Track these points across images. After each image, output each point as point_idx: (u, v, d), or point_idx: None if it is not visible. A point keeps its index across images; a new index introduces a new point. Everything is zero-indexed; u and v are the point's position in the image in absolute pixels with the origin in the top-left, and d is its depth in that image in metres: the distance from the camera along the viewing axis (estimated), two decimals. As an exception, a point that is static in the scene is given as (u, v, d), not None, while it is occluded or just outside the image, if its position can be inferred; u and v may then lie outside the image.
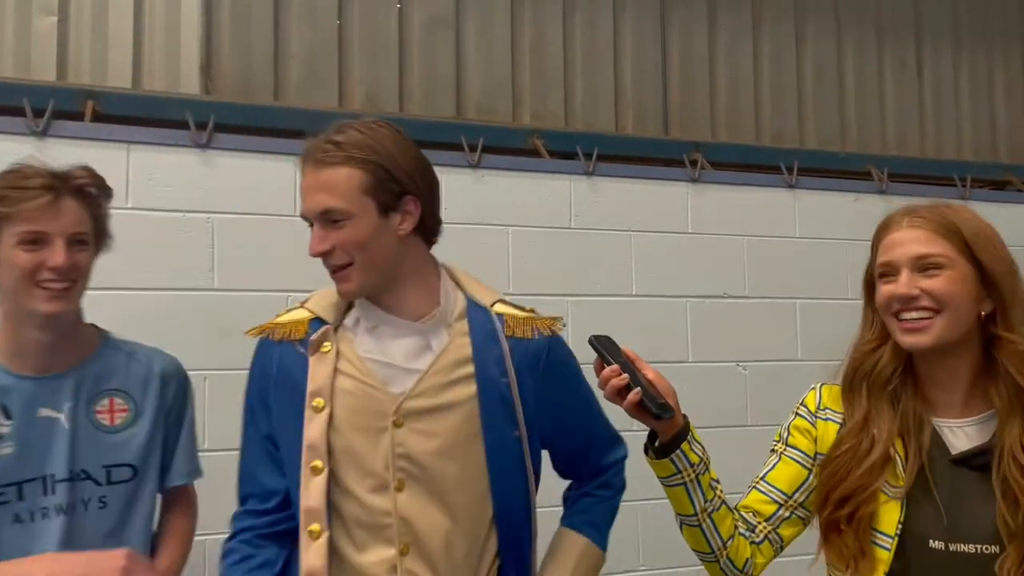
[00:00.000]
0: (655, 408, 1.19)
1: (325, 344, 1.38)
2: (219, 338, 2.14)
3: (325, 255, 1.35)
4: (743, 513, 1.34)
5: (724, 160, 2.80)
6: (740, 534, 1.30)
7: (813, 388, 1.39)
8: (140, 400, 1.49)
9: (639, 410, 1.21)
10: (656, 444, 1.24)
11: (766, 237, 2.71)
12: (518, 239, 2.43)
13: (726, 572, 1.31)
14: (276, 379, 1.39)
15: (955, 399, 1.25)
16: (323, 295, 1.46)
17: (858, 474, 1.23)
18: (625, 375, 1.21)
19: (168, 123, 2.22)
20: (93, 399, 1.44)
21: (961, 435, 1.24)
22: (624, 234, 2.56)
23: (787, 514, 1.32)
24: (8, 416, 1.37)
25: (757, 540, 1.32)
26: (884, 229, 1.29)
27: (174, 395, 1.55)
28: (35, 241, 1.36)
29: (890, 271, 1.25)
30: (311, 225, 1.37)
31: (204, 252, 2.17)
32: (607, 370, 1.22)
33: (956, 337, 1.21)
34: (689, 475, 1.23)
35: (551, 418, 1.43)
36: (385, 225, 1.36)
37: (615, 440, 1.56)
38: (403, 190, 1.36)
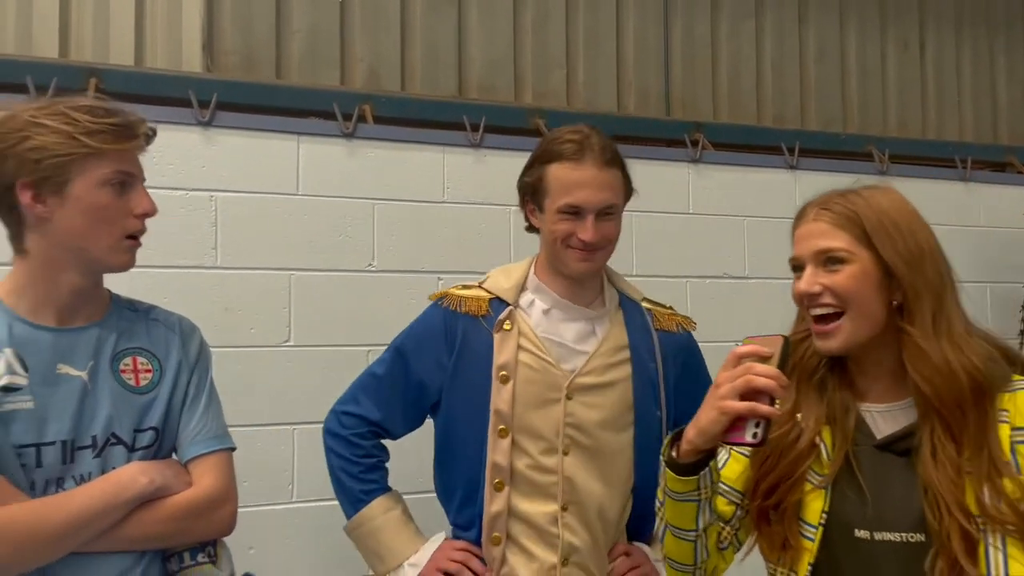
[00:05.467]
0: (765, 433, 1.07)
1: (507, 323, 1.59)
2: (222, 315, 2.16)
3: (595, 243, 1.55)
4: None
5: (725, 141, 2.80)
6: (718, 547, 1.26)
7: None
8: (163, 360, 1.34)
9: (754, 423, 1.07)
10: (680, 458, 1.14)
11: (767, 218, 2.71)
12: (520, 219, 2.43)
13: None
14: (460, 347, 1.60)
15: (880, 385, 1.21)
16: (498, 277, 1.67)
17: (784, 463, 1.19)
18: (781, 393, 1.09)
19: (171, 101, 2.21)
20: (116, 358, 1.30)
21: (889, 419, 1.20)
22: (625, 214, 2.54)
23: (742, 514, 1.25)
24: (26, 368, 1.22)
25: (723, 546, 1.26)
26: (796, 220, 1.25)
27: (196, 354, 1.39)
28: (121, 184, 1.26)
29: (798, 265, 1.22)
30: (573, 213, 1.55)
31: (207, 230, 2.18)
32: (783, 380, 1.09)
33: (867, 334, 1.17)
34: (707, 494, 1.15)
35: (685, 405, 1.53)
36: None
37: None
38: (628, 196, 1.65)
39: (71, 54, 2.31)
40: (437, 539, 1.63)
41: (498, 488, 1.56)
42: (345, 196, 2.31)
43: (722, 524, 1.24)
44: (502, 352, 1.57)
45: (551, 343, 1.59)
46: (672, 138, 2.73)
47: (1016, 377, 1.15)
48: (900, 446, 1.17)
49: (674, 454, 1.14)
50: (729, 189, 2.69)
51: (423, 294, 2.34)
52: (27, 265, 1.26)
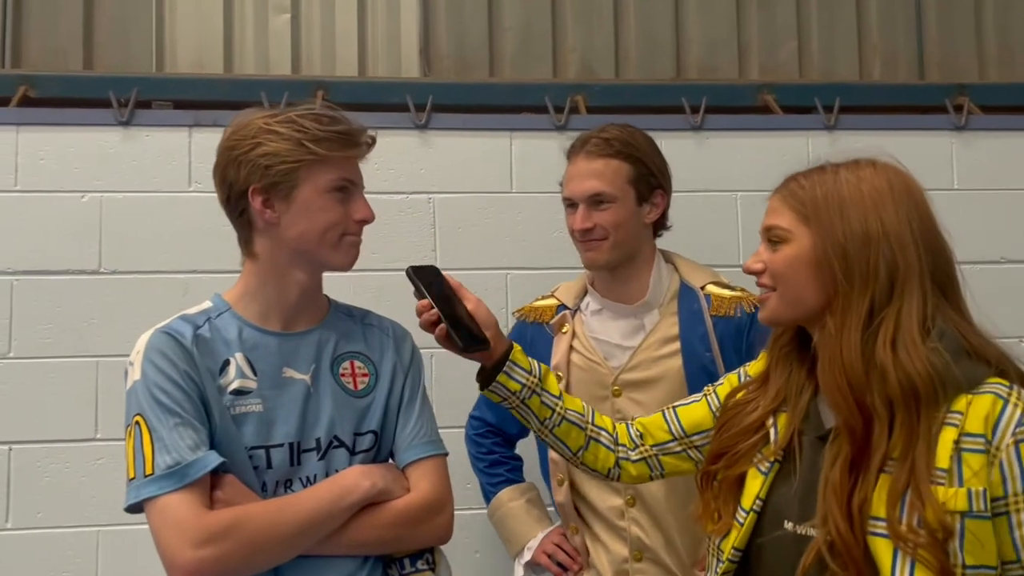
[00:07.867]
0: (460, 341, 1.22)
1: (565, 326, 1.70)
2: (442, 316, 2.16)
3: (587, 231, 1.63)
4: (632, 428, 1.34)
5: (996, 103, 2.41)
6: (601, 445, 1.32)
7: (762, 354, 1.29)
8: (379, 364, 1.34)
9: (448, 342, 1.24)
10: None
11: (1055, 190, 2.28)
12: (747, 205, 2.23)
13: (587, 471, 1.35)
14: (530, 353, 1.53)
15: None
16: (568, 286, 1.78)
17: (728, 435, 1.19)
18: (435, 310, 1.23)
19: (390, 107, 2.26)
20: (335, 362, 1.31)
21: None
22: (873, 194, 2.26)
23: (678, 449, 1.31)
24: (255, 372, 1.24)
25: (632, 458, 1.32)
26: None
27: (410, 359, 1.37)
28: (343, 189, 1.27)
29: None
30: (569, 206, 1.67)
31: (426, 232, 2.19)
32: (419, 304, 1.26)
33: (793, 316, 1.12)
34: (513, 401, 1.28)
35: None
36: (638, 212, 1.64)
37: None
38: (657, 185, 1.66)
39: (302, 70, 2.44)
40: (552, 527, 1.78)
41: (560, 482, 1.69)
42: (558, 191, 2.22)
43: (646, 441, 1.32)
44: (556, 353, 1.68)
45: (599, 342, 1.67)
46: (929, 104, 2.39)
47: (992, 380, 1.02)
48: None
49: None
50: (1004, 159, 2.29)
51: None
52: (257, 268, 1.29)
